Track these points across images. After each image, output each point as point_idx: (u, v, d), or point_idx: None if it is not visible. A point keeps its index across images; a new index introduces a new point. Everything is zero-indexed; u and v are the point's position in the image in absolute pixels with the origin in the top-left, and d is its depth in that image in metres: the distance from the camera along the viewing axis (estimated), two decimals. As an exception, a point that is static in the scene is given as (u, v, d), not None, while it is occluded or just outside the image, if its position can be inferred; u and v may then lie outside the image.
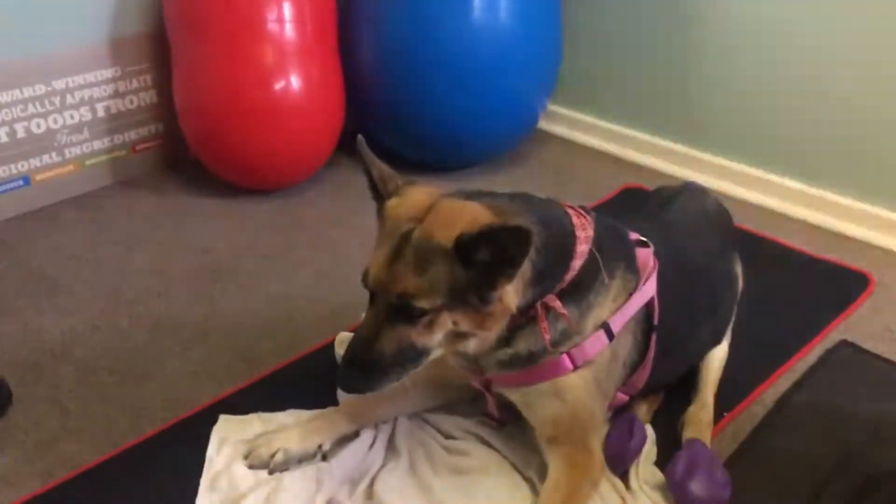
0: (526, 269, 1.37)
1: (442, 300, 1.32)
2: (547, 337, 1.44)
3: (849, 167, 2.57)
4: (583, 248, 1.46)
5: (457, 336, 1.39)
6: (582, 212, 1.53)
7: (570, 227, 1.47)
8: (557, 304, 1.44)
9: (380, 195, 1.45)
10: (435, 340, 1.37)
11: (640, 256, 1.58)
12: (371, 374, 1.37)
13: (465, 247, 1.29)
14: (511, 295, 1.38)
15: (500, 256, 1.29)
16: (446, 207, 1.36)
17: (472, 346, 1.44)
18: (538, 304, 1.43)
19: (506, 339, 1.48)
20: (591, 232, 1.49)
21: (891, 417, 1.76)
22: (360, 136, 1.47)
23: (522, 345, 1.48)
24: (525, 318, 1.45)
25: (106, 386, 1.92)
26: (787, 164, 2.71)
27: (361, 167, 1.46)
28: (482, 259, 1.29)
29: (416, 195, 1.41)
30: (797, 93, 2.61)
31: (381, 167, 1.45)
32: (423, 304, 1.32)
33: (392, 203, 1.41)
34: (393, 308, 1.34)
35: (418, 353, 1.38)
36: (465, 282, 1.31)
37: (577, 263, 1.45)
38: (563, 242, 1.45)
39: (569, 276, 1.45)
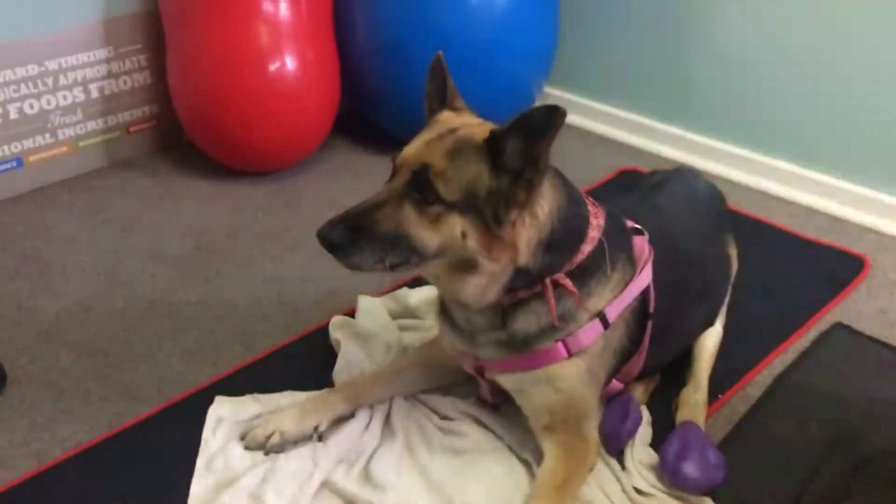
0: (544, 224, 1.38)
1: (459, 197, 1.31)
2: (554, 313, 1.43)
3: (845, 150, 2.57)
4: (594, 235, 1.47)
5: (455, 262, 1.36)
6: (594, 202, 1.54)
7: (587, 213, 1.49)
8: (568, 281, 1.43)
9: (437, 108, 1.47)
10: (435, 240, 1.33)
11: (636, 244, 1.58)
12: (354, 238, 1.31)
13: (497, 140, 1.30)
14: (524, 230, 1.36)
15: (528, 150, 1.28)
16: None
17: (468, 287, 1.40)
18: (547, 280, 1.43)
19: (503, 318, 1.47)
20: (601, 221, 1.50)
21: (884, 399, 1.77)
22: (440, 52, 1.49)
23: (520, 325, 1.47)
24: (529, 292, 1.44)
25: (101, 367, 1.92)
26: (783, 147, 2.71)
27: (430, 78, 1.48)
28: (510, 166, 1.30)
29: (474, 117, 1.45)
30: (794, 76, 2.60)
31: (453, 84, 1.48)
32: (441, 187, 1.30)
33: (448, 113, 1.46)
34: (409, 183, 1.32)
35: (411, 247, 1.33)
36: (486, 189, 1.31)
37: (587, 248, 1.46)
38: (579, 223, 1.47)
39: (577, 259, 1.45)
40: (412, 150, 1.38)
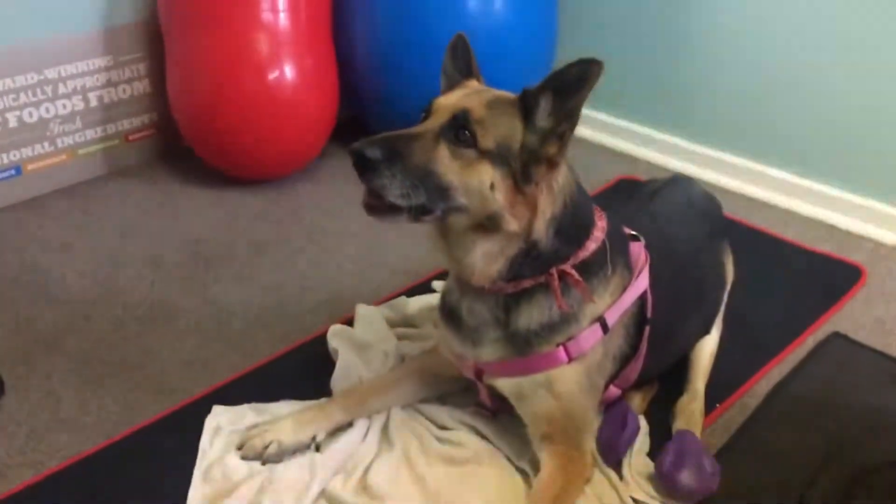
0: (558, 197, 1.41)
1: (494, 147, 1.33)
2: (560, 300, 1.44)
3: (841, 159, 2.58)
4: (598, 235, 1.49)
5: (475, 219, 1.37)
6: (597, 207, 1.56)
7: (593, 209, 1.52)
8: (573, 272, 1.44)
9: (458, 80, 1.49)
10: (464, 184, 1.33)
11: (633, 250, 1.58)
12: (389, 160, 1.28)
13: (531, 98, 1.33)
14: (543, 197, 1.38)
15: (561, 104, 1.31)
16: None
17: (477, 251, 1.40)
18: (553, 270, 1.43)
19: (506, 312, 1.48)
20: (605, 224, 1.52)
21: (882, 409, 1.78)
22: (461, 33, 1.51)
23: (523, 319, 1.47)
24: (534, 281, 1.44)
25: (98, 376, 1.92)
26: (780, 156, 2.72)
27: (451, 55, 1.51)
28: (542, 123, 1.33)
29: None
30: (791, 85, 2.61)
31: (476, 62, 1.52)
32: (479, 133, 1.32)
33: (476, 82, 1.50)
34: (448, 125, 1.33)
35: (439, 189, 1.32)
36: (520, 143, 1.34)
37: (591, 246, 1.48)
38: (587, 216, 1.50)
39: (581, 255, 1.46)
40: (452, 98, 1.41)
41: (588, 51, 3.40)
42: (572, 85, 1.29)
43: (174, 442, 1.68)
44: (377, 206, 1.34)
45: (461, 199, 1.35)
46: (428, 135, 1.34)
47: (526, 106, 1.35)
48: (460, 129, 1.33)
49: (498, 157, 1.34)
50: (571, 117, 1.33)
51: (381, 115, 2.88)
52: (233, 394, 1.81)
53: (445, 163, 1.33)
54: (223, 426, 1.70)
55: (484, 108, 1.35)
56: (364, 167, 1.29)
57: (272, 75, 2.56)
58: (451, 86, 1.50)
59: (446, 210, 1.35)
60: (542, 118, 1.34)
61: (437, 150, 1.33)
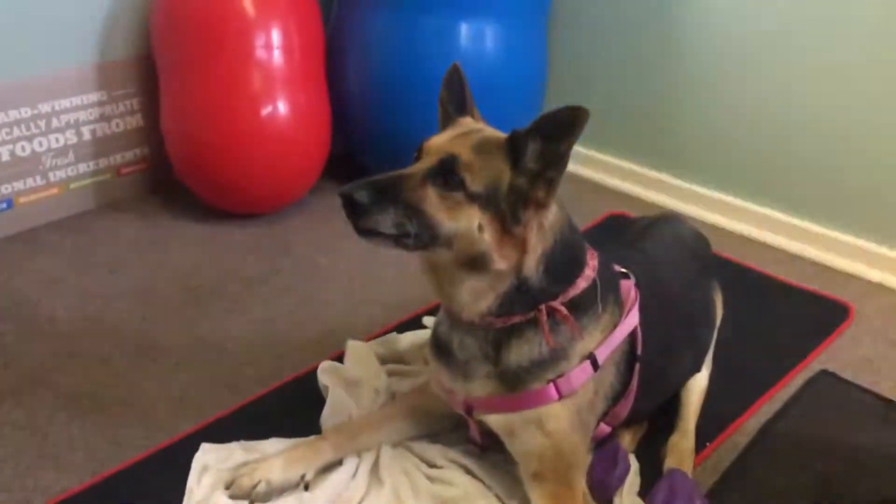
0: (549, 235, 1.42)
1: (482, 190, 1.34)
2: (548, 336, 1.44)
3: (829, 198, 2.61)
4: (589, 274, 1.50)
5: (463, 257, 1.38)
6: (589, 245, 1.57)
7: (585, 247, 1.54)
8: (563, 308, 1.45)
9: (453, 114, 1.51)
10: (452, 226, 1.34)
11: (623, 288, 1.59)
12: (378, 201, 1.31)
13: (519, 140, 1.34)
14: (533, 235, 1.39)
15: (549, 148, 1.32)
16: None
17: (466, 287, 1.41)
18: (542, 306, 1.44)
19: (496, 348, 1.48)
20: (596, 263, 1.53)
21: (871, 448, 1.78)
22: (456, 63, 1.53)
23: (513, 356, 1.48)
24: (524, 317, 1.45)
25: (86, 413, 1.90)
26: (768, 195, 2.75)
27: (447, 85, 1.52)
28: (530, 166, 1.34)
29: (489, 126, 1.50)
30: (780, 125, 2.65)
31: (471, 93, 1.53)
32: (467, 178, 1.33)
33: (469, 119, 1.50)
34: (435, 168, 1.35)
35: (427, 225, 1.34)
36: (508, 186, 1.35)
37: (581, 283, 1.48)
38: (578, 253, 1.51)
39: (571, 292, 1.47)
40: (440, 140, 1.43)
41: (578, 87, 3.46)
42: (559, 130, 1.31)
43: (161, 480, 1.66)
44: (366, 225, 1.35)
45: (449, 239, 1.36)
46: (416, 178, 1.35)
47: (514, 149, 1.36)
48: (448, 174, 1.34)
49: (486, 199, 1.35)
50: (559, 162, 1.34)
51: (373, 151, 2.91)
52: (221, 431, 1.79)
53: (433, 204, 1.34)
54: (211, 464, 1.68)
55: (472, 153, 1.36)
56: (354, 208, 1.31)
57: (265, 111, 2.59)
58: (446, 118, 1.52)
59: (431, 243, 1.37)
60: (531, 161, 1.35)
61: (424, 193, 1.34)
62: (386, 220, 1.32)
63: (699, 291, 1.90)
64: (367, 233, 1.35)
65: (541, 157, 1.34)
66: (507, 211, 1.36)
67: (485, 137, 1.41)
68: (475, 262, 1.39)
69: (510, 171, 1.36)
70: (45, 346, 2.13)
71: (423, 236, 1.35)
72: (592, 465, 1.63)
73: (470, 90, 1.54)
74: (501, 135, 1.41)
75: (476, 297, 1.43)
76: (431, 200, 1.34)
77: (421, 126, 2.76)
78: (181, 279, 2.46)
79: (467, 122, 1.50)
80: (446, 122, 1.52)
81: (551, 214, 1.43)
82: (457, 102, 1.52)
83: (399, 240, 1.35)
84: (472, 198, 1.34)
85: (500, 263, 1.39)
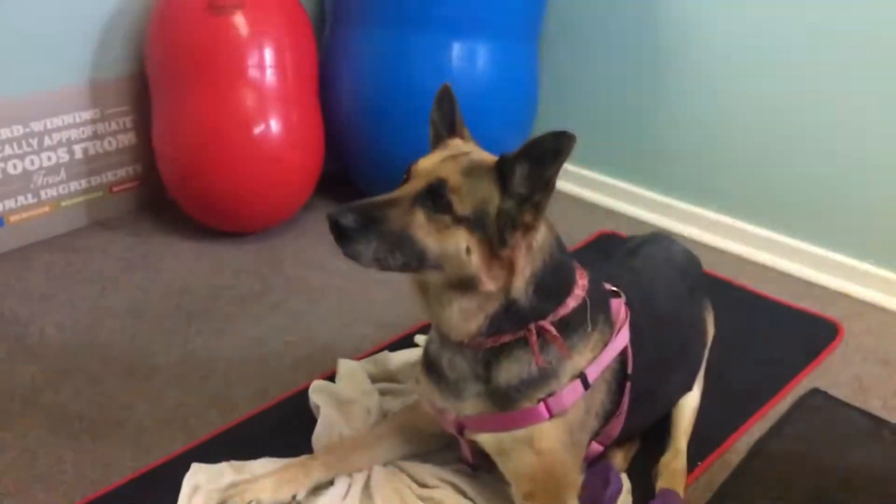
0: (538, 256, 1.43)
1: (470, 213, 1.34)
2: (538, 356, 1.44)
3: (820, 216, 2.63)
4: (579, 293, 1.51)
5: (452, 278, 1.38)
6: (579, 264, 1.58)
7: (574, 267, 1.54)
8: (551, 328, 1.45)
9: (444, 135, 1.52)
10: (439, 249, 1.35)
11: (613, 307, 1.60)
12: (364, 228, 1.32)
13: (507, 165, 1.35)
14: (522, 257, 1.40)
15: (536, 173, 1.33)
16: None
17: (455, 308, 1.42)
18: (531, 325, 1.44)
19: (486, 367, 1.48)
20: (586, 283, 1.54)
21: (862, 467, 1.79)
22: (446, 84, 1.54)
23: (503, 375, 1.48)
24: (514, 336, 1.45)
25: (75, 432, 1.89)
26: (759, 213, 2.77)
27: (437, 106, 1.53)
28: (518, 190, 1.35)
29: (479, 147, 1.51)
30: (770, 144, 2.67)
31: (461, 114, 1.54)
32: (455, 201, 1.34)
33: (458, 140, 1.51)
34: (423, 192, 1.35)
35: (414, 251, 1.34)
36: (496, 209, 1.35)
37: (571, 303, 1.49)
38: (567, 273, 1.51)
39: (561, 312, 1.47)
40: (429, 163, 1.43)
41: (570, 106, 3.48)
42: (546, 155, 1.31)
43: (151, 501, 1.65)
44: (352, 252, 1.35)
45: (437, 262, 1.37)
46: (404, 201, 1.36)
47: (502, 173, 1.36)
48: (436, 197, 1.35)
49: (474, 222, 1.35)
50: (546, 186, 1.35)
51: (365, 169, 2.92)
52: (212, 451, 1.78)
53: (421, 228, 1.35)
54: (202, 484, 1.67)
55: (460, 176, 1.37)
56: (340, 233, 1.32)
57: (257, 130, 2.59)
58: (437, 138, 1.53)
59: (419, 266, 1.38)
60: (519, 185, 1.36)
61: (413, 216, 1.35)
62: (368, 252, 1.33)
63: (690, 310, 1.90)
64: (352, 257, 1.36)
65: (528, 181, 1.35)
66: (496, 234, 1.36)
67: (474, 161, 1.41)
68: (464, 284, 1.40)
69: (499, 194, 1.37)
70: (36, 366, 2.12)
71: (410, 262, 1.36)
72: (584, 484, 1.62)
73: (461, 111, 1.54)
74: (490, 158, 1.42)
75: (466, 317, 1.43)
76: (419, 225, 1.35)
77: (413, 145, 2.77)
78: (172, 297, 2.45)
79: (457, 144, 1.50)
80: (437, 142, 1.53)
81: (540, 236, 1.44)
82: (447, 123, 1.53)
83: (384, 267, 1.36)
84: (460, 220, 1.35)
85: (489, 285, 1.39)
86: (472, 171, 1.38)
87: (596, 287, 1.58)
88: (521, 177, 1.35)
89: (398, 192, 1.38)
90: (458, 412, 1.56)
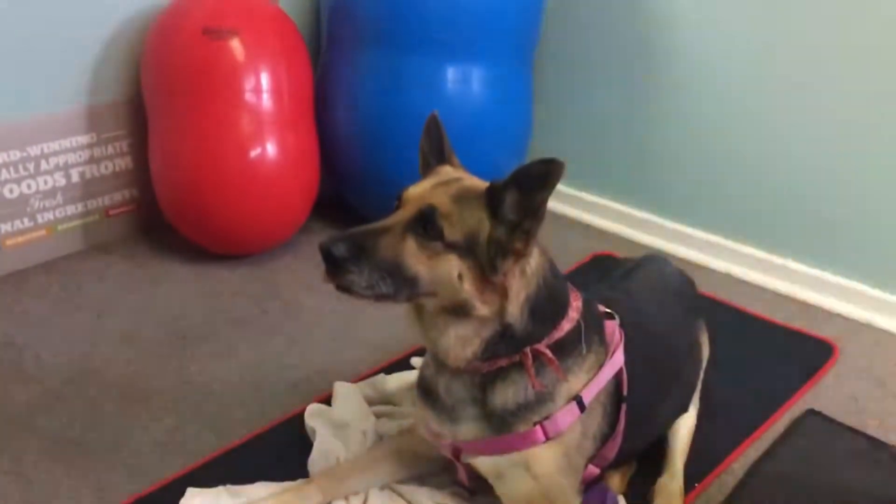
0: (531, 281, 1.43)
1: (461, 240, 1.35)
2: (534, 379, 1.45)
3: (813, 237, 2.64)
4: (573, 316, 1.51)
5: (446, 304, 1.39)
6: (572, 287, 1.59)
7: (568, 290, 1.55)
8: (547, 351, 1.45)
9: (433, 163, 1.53)
10: (431, 275, 1.36)
11: (607, 328, 1.61)
12: (355, 257, 1.33)
13: (497, 192, 1.36)
14: (515, 281, 1.40)
15: (526, 200, 1.33)
16: None
17: (450, 333, 1.42)
18: (527, 349, 1.45)
19: (482, 390, 1.48)
20: (580, 304, 1.55)
21: (857, 488, 1.78)
22: (435, 111, 1.55)
23: (499, 398, 1.48)
24: (509, 360, 1.45)
25: (71, 458, 1.88)
26: (753, 234, 2.78)
27: (426, 134, 1.55)
28: (508, 217, 1.35)
29: (469, 174, 1.52)
30: (764, 165, 2.69)
31: (449, 142, 1.56)
32: (446, 228, 1.35)
33: (448, 167, 1.52)
34: (414, 219, 1.36)
35: (405, 278, 1.35)
36: (486, 236, 1.36)
37: (565, 325, 1.49)
38: (562, 296, 1.51)
39: (556, 335, 1.48)
40: (419, 189, 1.44)
41: (564, 127, 3.50)
42: (535, 182, 1.32)
43: (147, 526, 1.65)
44: (343, 283, 1.37)
45: (430, 289, 1.38)
46: (395, 229, 1.37)
47: (493, 199, 1.37)
48: (427, 224, 1.36)
49: (465, 249, 1.36)
50: (535, 213, 1.35)
51: (361, 192, 2.93)
52: (207, 475, 1.78)
53: (413, 255, 1.36)
54: (197, 510, 1.67)
55: (451, 203, 1.38)
56: (332, 263, 1.34)
57: (254, 153, 2.61)
58: (426, 166, 1.55)
59: (412, 294, 1.39)
60: (509, 212, 1.36)
61: (404, 243, 1.36)
62: (360, 281, 1.34)
63: (685, 331, 1.91)
64: (344, 289, 1.37)
65: (518, 208, 1.35)
66: (487, 261, 1.37)
67: (464, 187, 1.42)
68: (458, 310, 1.40)
69: (489, 221, 1.37)
70: (30, 390, 2.12)
71: (401, 291, 1.37)
72: (582, 507, 1.63)
73: (448, 139, 1.56)
74: (481, 184, 1.43)
75: (461, 343, 1.44)
76: (410, 252, 1.36)
77: (408, 167, 2.78)
78: (168, 321, 2.45)
79: (447, 171, 1.51)
80: (426, 170, 1.54)
81: (533, 260, 1.45)
82: (436, 151, 1.55)
83: (377, 297, 1.37)
84: (451, 247, 1.36)
85: (482, 310, 1.40)
86: (463, 197, 1.39)
87: (590, 309, 1.59)
88: (510, 204, 1.36)
89: (390, 220, 1.39)
90: (453, 436, 1.56)
